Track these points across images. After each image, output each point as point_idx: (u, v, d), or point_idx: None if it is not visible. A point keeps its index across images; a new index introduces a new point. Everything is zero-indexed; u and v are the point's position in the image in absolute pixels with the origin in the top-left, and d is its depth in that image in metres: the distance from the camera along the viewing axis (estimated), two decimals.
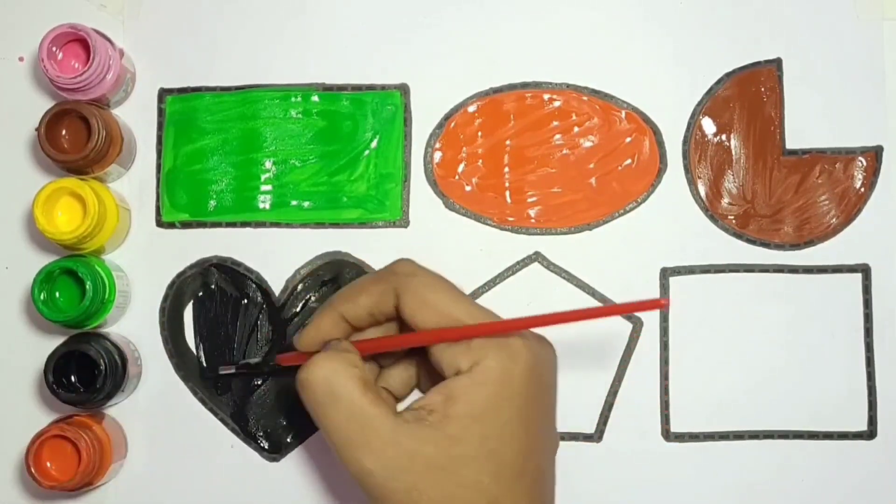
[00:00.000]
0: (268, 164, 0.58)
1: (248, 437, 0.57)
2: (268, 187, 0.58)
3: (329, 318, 0.47)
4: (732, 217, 0.58)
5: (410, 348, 0.49)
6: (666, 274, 0.58)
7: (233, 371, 0.56)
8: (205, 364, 0.57)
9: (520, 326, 0.45)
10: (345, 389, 0.44)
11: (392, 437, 0.43)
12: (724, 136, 0.58)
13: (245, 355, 0.57)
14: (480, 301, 0.57)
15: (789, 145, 0.58)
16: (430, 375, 0.46)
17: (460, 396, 0.43)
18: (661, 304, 0.41)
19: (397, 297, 0.46)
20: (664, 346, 0.58)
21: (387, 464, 0.43)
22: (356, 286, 0.47)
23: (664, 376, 0.57)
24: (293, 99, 0.58)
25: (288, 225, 0.58)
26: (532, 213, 0.58)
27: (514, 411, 0.44)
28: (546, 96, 0.58)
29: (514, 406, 0.44)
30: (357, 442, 0.43)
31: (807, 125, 0.58)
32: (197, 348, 0.57)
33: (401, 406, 0.46)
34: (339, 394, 0.44)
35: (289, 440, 0.57)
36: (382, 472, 0.43)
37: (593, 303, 0.57)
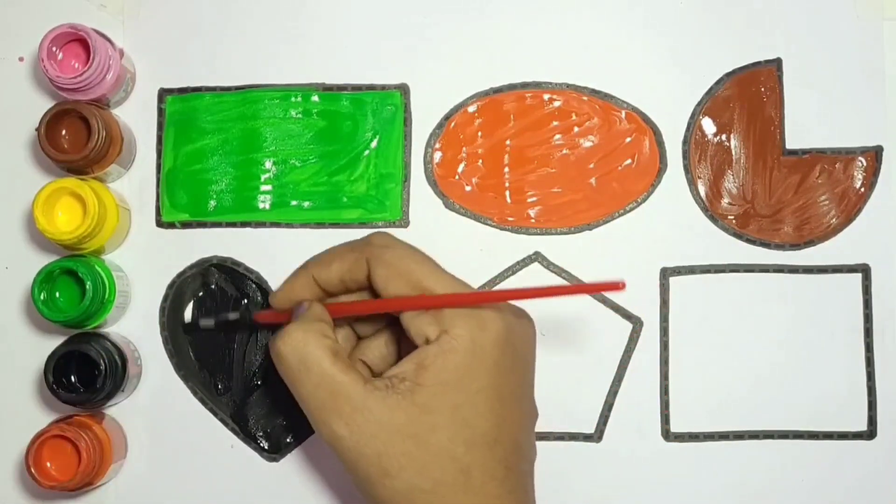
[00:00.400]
0: (268, 164, 0.58)
1: (248, 437, 0.57)
2: (268, 187, 0.58)
3: (302, 279, 0.49)
4: (732, 217, 0.58)
5: (390, 322, 0.49)
6: (666, 274, 0.58)
7: (212, 325, 0.56)
8: (188, 321, 0.57)
9: (490, 299, 0.45)
10: (315, 359, 0.45)
11: (362, 403, 0.44)
12: (724, 136, 0.58)
13: (245, 356, 0.57)
14: None
15: (789, 145, 0.58)
16: (410, 351, 0.47)
17: (430, 365, 0.44)
18: (618, 287, 0.43)
19: (369, 267, 0.47)
20: (664, 346, 0.57)
21: (356, 429, 0.44)
22: (330, 252, 0.49)
23: (664, 376, 0.57)
24: (293, 99, 0.58)
25: (288, 225, 0.58)
26: (532, 213, 0.58)
27: (486, 380, 0.44)
28: (546, 96, 0.58)
29: (485, 375, 0.44)
30: (328, 408, 0.44)
31: (807, 125, 0.58)
32: (195, 349, 0.58)
33: None
34: (309, 364, 0.45)
35: (289, 440, 0.57)
36: (352, 438, 0.44)
37: (593, 303, 0.57)
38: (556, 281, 0.58)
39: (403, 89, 0.58)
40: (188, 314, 0.58)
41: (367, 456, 0.44)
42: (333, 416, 0.44)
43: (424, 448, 0.44)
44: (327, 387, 0.44)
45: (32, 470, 0.52)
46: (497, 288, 0.57)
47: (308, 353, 0.45)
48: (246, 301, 0.57)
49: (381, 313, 0.49)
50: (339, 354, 0.45)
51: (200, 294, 0.58)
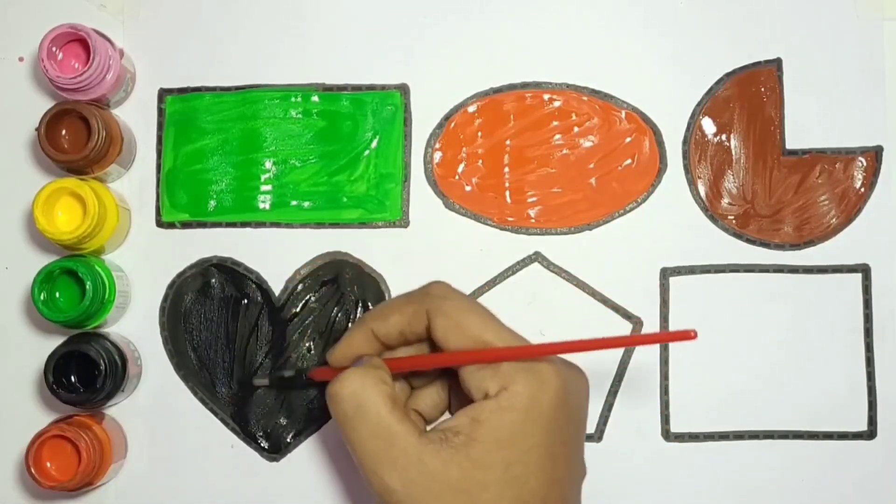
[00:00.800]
0: (268, 164, 0.58)
1: (248, 437, 0.57)
2: (268, 187, 0.58)
3: (360, 334, 0.48)
4: (732, 217, 0.58)
5: (443, 371, 0.49)
6: (666, 274, 0.58)
7: (266, 383, 0.56)
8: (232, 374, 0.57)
9: (550, 352, 0.45)
10: (373, 405, 0.44)
11: (416, 455, 0.43)
12: (724, 136, 0.58)
13: (245, 355, 0.57)
14: (480, 301, 0.57)
15: (789, 145, 0.58)
16: (461, 399, 0.46)
17: (486, 420, 0.43)
18: (690, 336, 0.42)
19: (429, 318, 0.46)
20: (664, 347, 0.57)
21: (409, 482, 0.43)
22: (389, 305, 0.48)
23: (664, 376, 0.57)
24: (293, 99, 0.58)
25: (288, 225, 0.58)
26: (532, 213, 0.58)
27: (540, 438, 0.44)
28: (546, 96, 0.58)
29: (540, 433, 0.44)
30: (381, 458, 0.43)
31: (807, 125, 0.58)
32: (195, 349, 0.58)
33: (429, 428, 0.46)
34: (366, 409, 0.44)
35: (289, 440, 0.57)
36: (404, 490, 0.43)
37: (593, 303, 0.57)
38: (556, 281, 0.58)
39: (403, 89, 0.58)
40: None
41: None
42: (387, 468, 0.43)
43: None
44: (383, 436, 0.44)
45: (32, 470, 0.52)
46: (498, 288, 0.57)
47: (366, 399, 0.44)
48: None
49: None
50: (396, 403, 0.45)
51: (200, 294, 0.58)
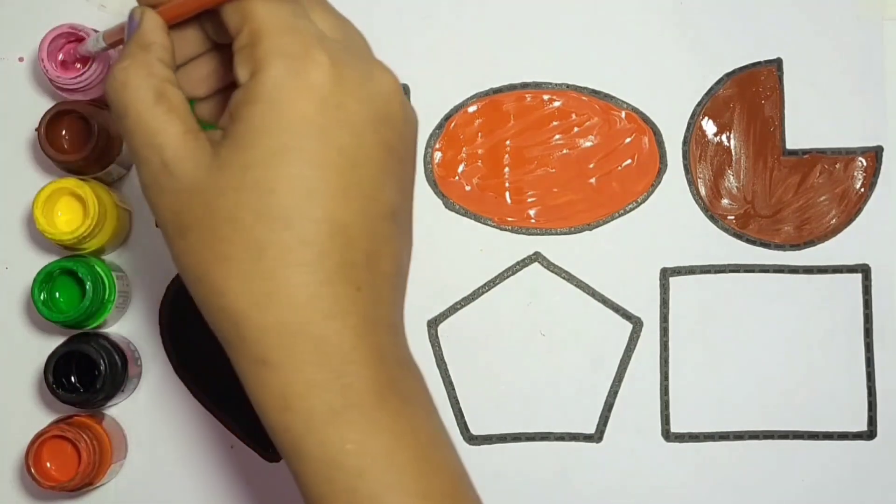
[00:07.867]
0: None
1: (248, 438, 0.57)
2: None
3: None
4: (732, 217, 0.58)
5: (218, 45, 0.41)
6: (666, 274, 0.58)
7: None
8: None
9: None
10: (132, 101, 0.38)
11: (174, 155, 0.37)
12: (724, 136, 0.58)
13: None
14: (480, 301, 0.57)
15: (789, 145, 0.58)
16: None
17: (235, 113, 0.37)
18: None
19: None
20: (664, 347, 0.57)
21: (165, 184, 0.38)
22: None
23: (664, 376, 0.57)
24: None
25: None
26: (532, 213, 0.58)
27: (293, 142, 0.36)
28: (546, 96, 0.58)
29: (286, 134, 0.36)
30: (142, 157, 0.38)
31: (807, 125, 0.58)
32: (195, 349, 0.57)
33: None
34: (128, 107, 0.38)
35: None
36: (154, 196, 0.38)
37: (593, 303, 0.57)
38: (556, 281, 0.58)
39: (403, 89, 0.58)
40: None
41: (166, 211, 0.38)
42: (144, 169, 0.38)
43: (211, 213, 0.37)
44: (143, 133, 0.37)
45: (32, 470, 0.52)
46: (498, 288, 0.57)
47: (127, 96, 0.38)
48: None
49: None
50: (163, 95, 0.38)
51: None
